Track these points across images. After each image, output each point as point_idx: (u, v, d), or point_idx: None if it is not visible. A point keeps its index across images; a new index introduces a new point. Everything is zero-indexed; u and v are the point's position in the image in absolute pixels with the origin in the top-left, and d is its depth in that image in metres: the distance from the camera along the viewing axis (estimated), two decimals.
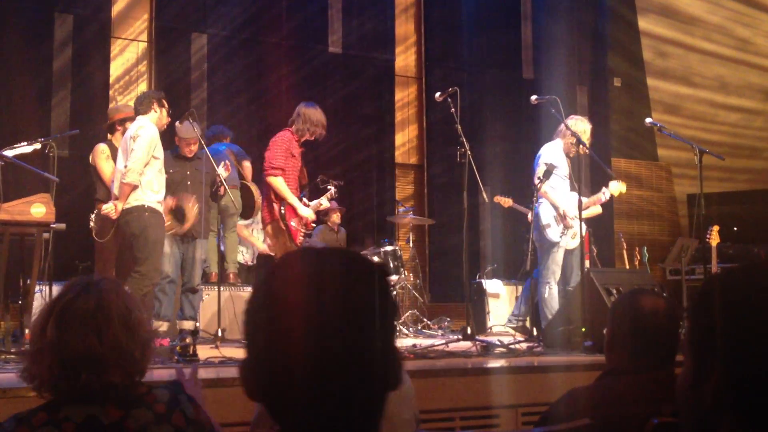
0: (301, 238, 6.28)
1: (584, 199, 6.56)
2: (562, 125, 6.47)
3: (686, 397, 1.07)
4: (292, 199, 6.23)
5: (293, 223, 6.23)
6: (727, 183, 11.12)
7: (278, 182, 6.19)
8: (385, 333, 1.05)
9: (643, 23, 11.76)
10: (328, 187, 7.02)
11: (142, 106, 6.00)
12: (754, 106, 11.79)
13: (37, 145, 5.64)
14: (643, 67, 11.85)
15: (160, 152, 5.91)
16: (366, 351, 1.01)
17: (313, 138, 6.40)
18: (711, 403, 1.02)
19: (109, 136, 6.53)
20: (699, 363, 1.06)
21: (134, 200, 5.76)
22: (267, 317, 1.03)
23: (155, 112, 6.00)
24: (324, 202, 6.76)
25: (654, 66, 11.87)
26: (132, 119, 6.12)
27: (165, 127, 6.15)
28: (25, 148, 5.60)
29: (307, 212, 6.30)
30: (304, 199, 6.45)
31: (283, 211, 6.21)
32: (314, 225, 6.51)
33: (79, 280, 1.79)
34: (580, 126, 6.55)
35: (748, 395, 1.00)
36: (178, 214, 6.23)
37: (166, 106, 6.10)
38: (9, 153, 5.55)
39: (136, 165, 5.69)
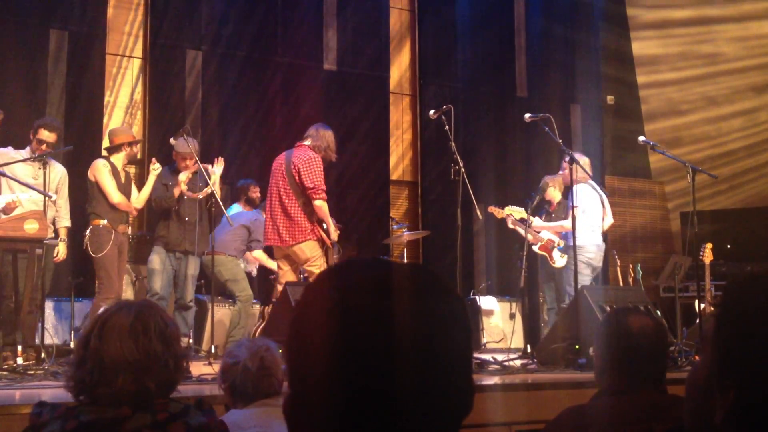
0: None
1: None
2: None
3: (695, 408, 1.04)
4: (330, 222, 6.05)
5: None
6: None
7: (325, 206, 6.01)
8: (463, 356, 0.93)
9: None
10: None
11: None
12: (751, 105, 11.61)
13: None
14: (636, 84, 11.90)
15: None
16: (443, 377, 0.89)
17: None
18: (720, 422, 0.99)
19: (111, 156, 6.46)
20: (718, 370, 1.01)
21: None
22: (323, 339, 0.89)
23: None
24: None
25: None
26: (137, 143, 6.48)
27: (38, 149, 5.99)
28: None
29: (335, 236, 6.13)
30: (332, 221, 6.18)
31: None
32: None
33: (121, 302, 2.05)
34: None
35: (755, 417, 0.97)
36: None
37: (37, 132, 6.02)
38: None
39: None
